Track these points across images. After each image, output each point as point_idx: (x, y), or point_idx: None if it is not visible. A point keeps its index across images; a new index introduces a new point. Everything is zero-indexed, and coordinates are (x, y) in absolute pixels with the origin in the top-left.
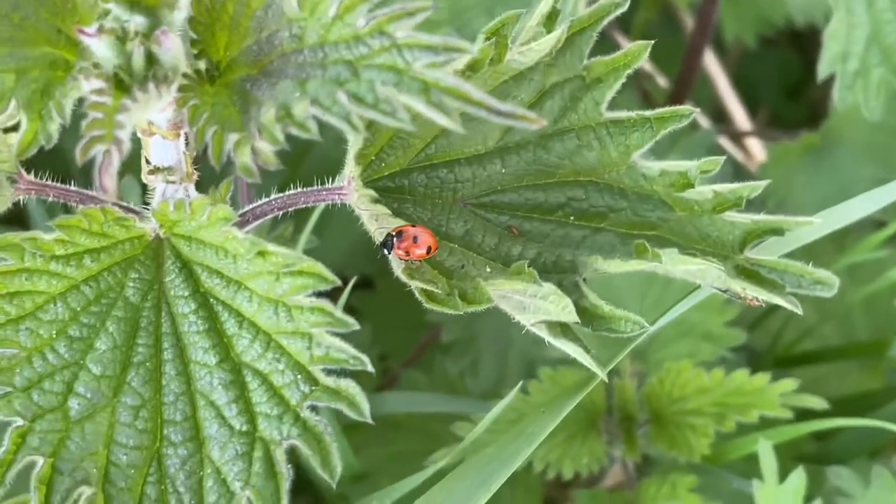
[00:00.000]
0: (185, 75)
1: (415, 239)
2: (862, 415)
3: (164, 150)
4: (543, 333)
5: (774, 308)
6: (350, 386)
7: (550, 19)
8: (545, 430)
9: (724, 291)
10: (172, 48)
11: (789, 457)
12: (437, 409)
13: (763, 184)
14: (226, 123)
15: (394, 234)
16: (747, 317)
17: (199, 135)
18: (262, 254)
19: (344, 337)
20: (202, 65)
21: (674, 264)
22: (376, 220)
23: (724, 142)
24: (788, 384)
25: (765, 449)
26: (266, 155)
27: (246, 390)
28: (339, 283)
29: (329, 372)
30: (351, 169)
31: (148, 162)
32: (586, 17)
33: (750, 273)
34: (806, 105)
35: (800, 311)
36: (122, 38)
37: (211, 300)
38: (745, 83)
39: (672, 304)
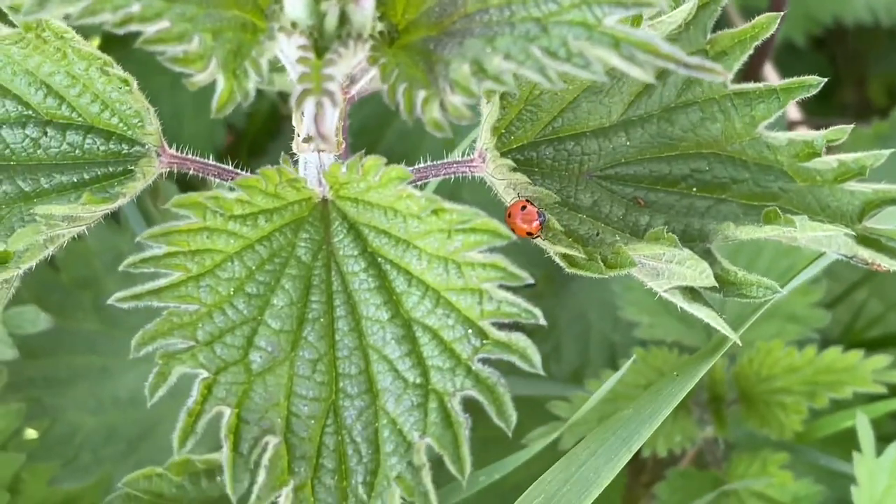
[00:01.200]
0: (371, 36)
1: (525, 212)
2: None
3: (323, 119)
4: (677, 299)
5: (842, 298)
6: (521, 339)
7: None
8: (681, 392)
9: (851, 258)
10: (367, 7)
11: (881, 439)
12: (521, 392)
13: (887, 153)
14: (413, 81)
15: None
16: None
17: (390, 92)
18: (437, 212)
19: None
20: (382, 27)
21: (804, 231)
22: (514, 189)
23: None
24: (881, 360)
25: (862, 423)
26: (458, 110)
27: (417, 345)
28: (510, 237)
29: (500, 326)
30: (485, 140)
31: (298, 133)
32: None
33: (870, 241)
34: (837, 106)
35: None
36: None
37: (379, 259)
38: None
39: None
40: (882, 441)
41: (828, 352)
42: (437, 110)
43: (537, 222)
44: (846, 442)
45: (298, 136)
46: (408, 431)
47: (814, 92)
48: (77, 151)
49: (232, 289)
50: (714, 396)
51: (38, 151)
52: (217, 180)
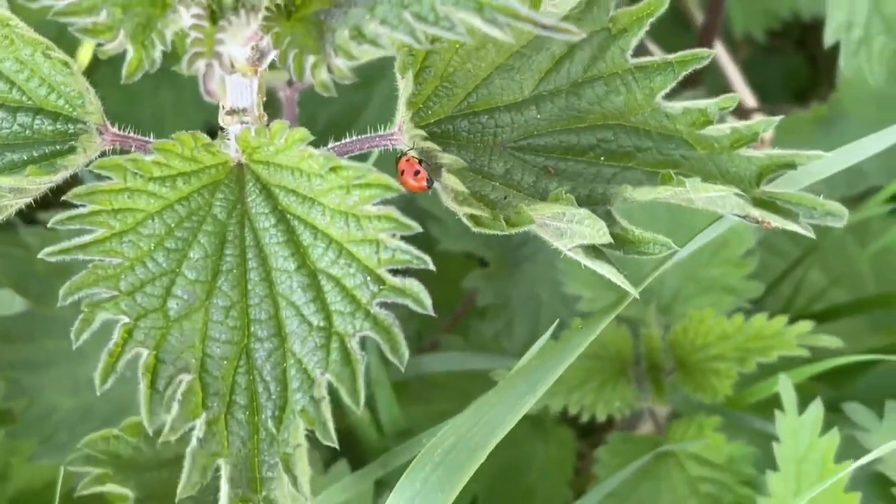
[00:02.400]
0: (266, 9)
1: (416, 173)
2: (874, 365)
3: (241, 92)
4: (580, 257)
5: (786, 274)
6: (414, 284)
7: None
8: (584, 342)
9: (744, 217)
10: None
11: (805, 403)
12: (474, 367)
13: (776, 119)
14: (304, 48)
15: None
16: (761, 280)
17: (282, 57)
18: (334, 169)
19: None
20: (279, 1)
21: (696, 192)
22: (427, 156)
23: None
24: (805, 325)
25: (785, 384)
26: (342, 71)
27: (321, 292)
28: (402, 190)
29: (395, 272)
30: (402, 114)
31: (223, 107)
32: None
33: (766, 203)
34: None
35: (812, 236)
36: None
37: (288, 216)
38: (754, 87)
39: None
40: (806, 404)
41: (756, 318)
42: (325, 73)
43: (422, 174)
44: (777, 406)
45: (223, 108)
46: (311, 369)
47: (703, 64)
48: (27, 132)
49: (152, 244)
50: (652, 365)
51: None
52: None
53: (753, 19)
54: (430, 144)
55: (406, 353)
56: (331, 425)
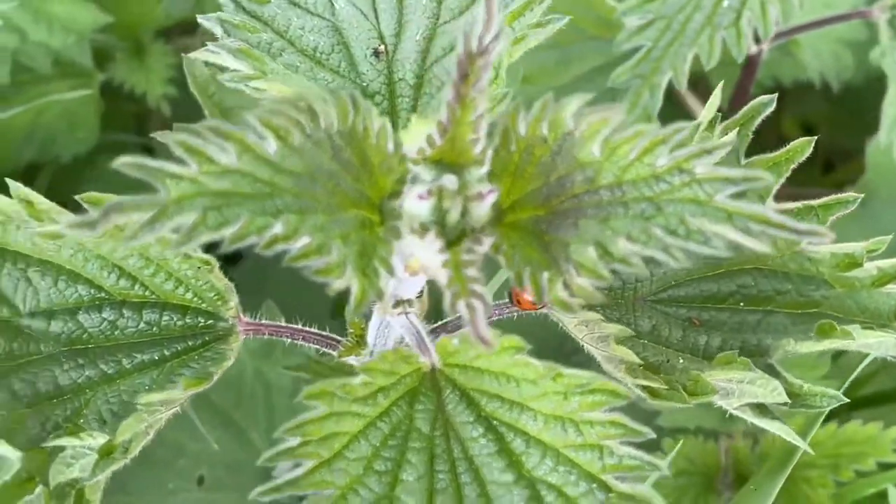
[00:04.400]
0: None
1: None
2: None
3: (412, 285)
4: (747, 415)
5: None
6: (646, 490)
7: (712, 124)
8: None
9: None
10: (489, 202)
11: None
12: None
13: None
14: (534, 263)
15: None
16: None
17: (517, 278)
18: (555, 377)
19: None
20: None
21: (860, 339)
22: (586, 327)
23: None
24: None
25: (893, 493)
26: (587, 291)
27: (544, 503)
28: (630, 397)
29: (623, 479)
30: None
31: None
32: (739, 118)
33: None
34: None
35: None
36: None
37: (494, 422)
38: None
39: None
40: None
41: (848, 425)
42: (563, 290)
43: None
44: None
45: (385, 303)
46: None
47: (852, 208)
48: (154, 329)
49: (362, 468)
50: (739, 477)
51: (116, 332)
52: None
53: None
54: (592, 315)
55: None
56: None
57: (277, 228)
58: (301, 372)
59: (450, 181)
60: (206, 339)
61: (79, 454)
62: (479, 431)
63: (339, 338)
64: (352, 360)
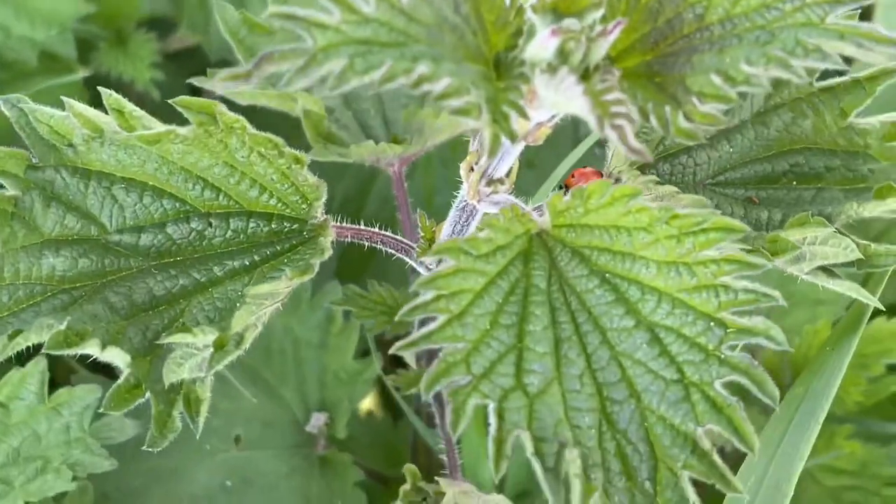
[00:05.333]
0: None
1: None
2: None
3: (507, 160)
4: (820, 279)
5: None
6: (762, 321)
7: None
8: (845, 360)
9: None
10: (611, 40)
11: None
12: None
13: None
14: (655, 99)
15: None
16: None
17: (642, 113)
18: (671, 219)
19: None
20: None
21: None
22: (662, 201)
23: None
24: None
25: None
26: (713, 116)
27: (664, 345)
28: (747, 230)
29: (739, 313)
30: (617, 163)
31: (478, 178)
32: None
33: None
34: None
35: None
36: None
37: (607, 275)
38: None
39: None
40: None
41: (874, 322)
42: (684, 121)
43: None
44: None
45: (478, 180)
46: (680, 424)
47: (894, 79)
48: (242, 236)
49: (488, 323)
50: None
51: (204, 242)
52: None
53: None
54: (668, 188)
55: (776, 390)
56: (728, 473)
57: (422, 69)
58: (345, 306)
59: (572, 23)
60: (294, 242)
61: (187, 354)
62: (595, 283)
63: (412, 244)
64: (420, 268)
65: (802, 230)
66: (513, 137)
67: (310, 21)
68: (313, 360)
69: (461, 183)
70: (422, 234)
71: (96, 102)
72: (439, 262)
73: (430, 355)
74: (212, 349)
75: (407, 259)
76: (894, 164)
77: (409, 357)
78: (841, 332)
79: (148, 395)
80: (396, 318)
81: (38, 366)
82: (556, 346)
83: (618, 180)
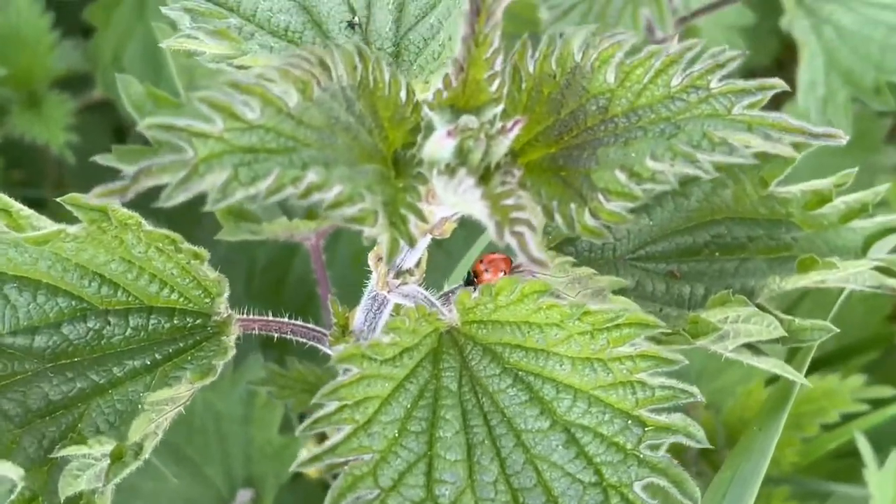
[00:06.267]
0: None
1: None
2: None
3: (414, 252)
4: (744, 357)
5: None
6: (681, 418)
7: None
8: (772, 441)
9: (877, 288)
10: (511, 138)
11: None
12: None
13: (884, 188)
14: (558, 196)
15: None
16: None
17: (546, 211)
18: (583, 316)
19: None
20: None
21: (844, 270)
22: (579, 283)
23: None
24: (857, 380)
25: (861, 440)
26: (619, 215)
27: (581, 445)
28: (662, 326)
29: (658, 410)
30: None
31: (387, 271)
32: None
33: (884, 270)
34: None
35: None
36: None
37: (520, 373)
38: None
39: None
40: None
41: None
42: (590, 219)
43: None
44: (830, 464)
45: (387, 272)
46: None
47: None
48: (142, 334)
49: (396, 430)
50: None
51: (103, 342)
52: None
53: None
54: (584, 269)
55: (697, 491)
56: None
57: (312, 177)
58: (265, 386)
59: (470, 121)
60: (198, 338)
61: (84, 465)
62: (508, 382)
63: (325, 331)
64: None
65: (723, 309)
66: (412, 242)
67: (190, 131)
68: (237, 435)
69: None
70: (334, 320)
71: (10, 167)
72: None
73: None
74: (108, 461)
75: (320, 346)
76: (817, 232)
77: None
78: (767, 412)
79: None
80: (297, 433)
81: None
82: (468, 452)
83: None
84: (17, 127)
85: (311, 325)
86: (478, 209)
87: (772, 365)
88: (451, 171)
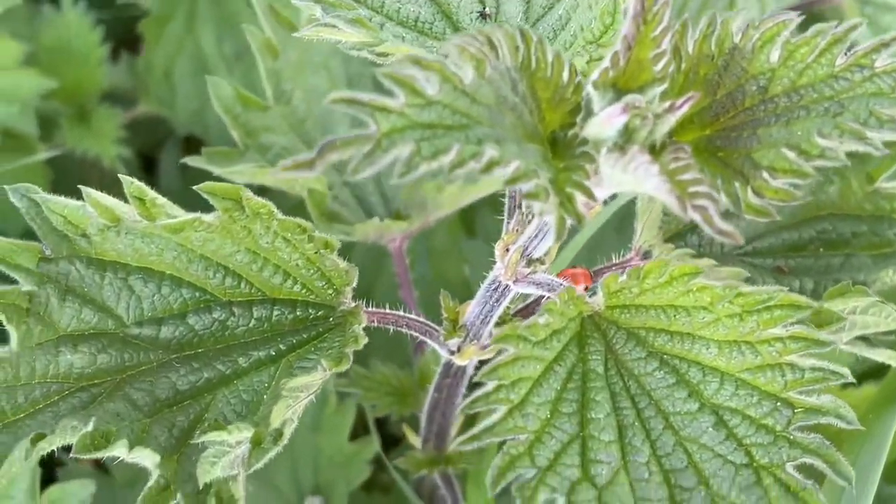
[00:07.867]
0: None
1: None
2: None
3: (547, 241)
4: (859, 349)
5: None
6: (831, 400)
7: None
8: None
9: None
10: (679, 114)
11: None
12: None
13: None
14: (724, 175)
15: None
16: None
17: (712, 188)
18: (734, 298)
19: None
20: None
21: None
22: None
23: None
24: None
25: None
26: (785, 192)
27: (729, 427)
28: (815, 306)
29: (807, 392)
30: (647, 237)
31: (517, 259)
32: None
33: None
34: None
35: None
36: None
37: (665, 356)
38: None
39: None
40: None
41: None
42: (755, 197)
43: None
44: None
45: (516, 262)
46: None
47: None
48: (265, 325)
49: (548, 411)
50: None
51: (227, 333)
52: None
53: None
54: (707, 260)
55: (851, 471)
56: None
57: (491, 152)
58: (351, 388)
59: (636, 99)
60: (320, 330)
61: (220, 452)
62: (653, 366)
63: (437, 326)
64: (442, 350)
65: (844, 300)
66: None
67: (373, 105)
68: (306, 442)
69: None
70: (445, 315)
71: (59, 182)
72: (461, 343)
73: (438, 437)
74: (248, 446)
75: (429, 341)
76: None
77: (413, 438)
78: (880, 401)
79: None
80: (460, 410)
81: (28, 462)
82: (619, 433)
83: (647, 254)
84: (68, 141)
85: (422, 319)
86: (652, 185)
87: (887, 357)
88: (620, 148)
